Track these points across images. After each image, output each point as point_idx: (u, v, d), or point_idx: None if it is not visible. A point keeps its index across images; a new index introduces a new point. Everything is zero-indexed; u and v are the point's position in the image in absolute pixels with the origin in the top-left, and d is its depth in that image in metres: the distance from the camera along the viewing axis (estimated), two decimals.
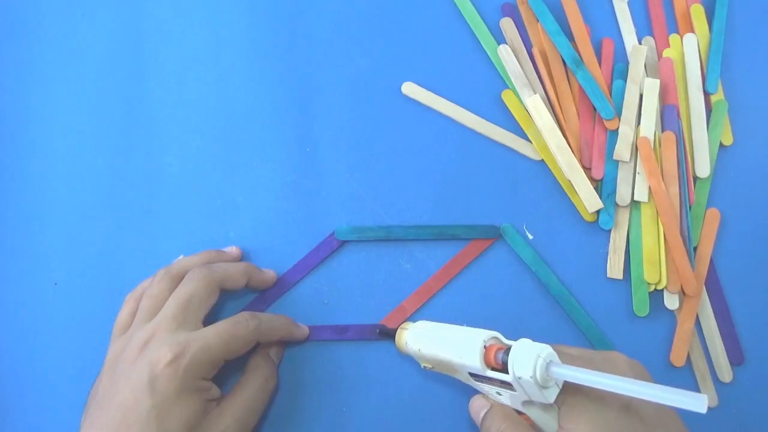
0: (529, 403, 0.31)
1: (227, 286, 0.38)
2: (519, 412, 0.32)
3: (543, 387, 0.30)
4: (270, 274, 0.41)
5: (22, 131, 0.45)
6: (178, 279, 0.37)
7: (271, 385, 0.38)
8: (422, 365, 0.36)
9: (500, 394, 0.32)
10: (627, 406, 0.31)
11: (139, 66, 0.46)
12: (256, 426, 0.37)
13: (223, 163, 0.44)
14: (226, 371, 0.37)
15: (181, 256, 0.41)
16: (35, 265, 0.43)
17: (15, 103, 0.45)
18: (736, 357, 0.41)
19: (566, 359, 0.31)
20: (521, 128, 0.44)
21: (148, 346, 0.34)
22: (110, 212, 0.43)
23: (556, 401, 0.30)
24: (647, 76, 0.45)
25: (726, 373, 0.41)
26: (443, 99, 0.44)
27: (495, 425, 0.32)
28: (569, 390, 0.31)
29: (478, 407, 0.34)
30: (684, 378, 0.41)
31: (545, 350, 0.30)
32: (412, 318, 0.41)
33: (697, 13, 0.46)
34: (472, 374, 0.33)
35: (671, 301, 0.41)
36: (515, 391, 0.31)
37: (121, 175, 0.44)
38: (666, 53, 0.45)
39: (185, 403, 0.33)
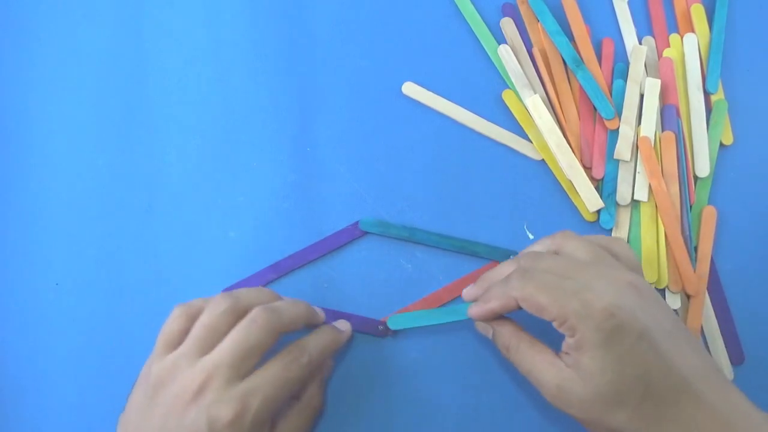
0: None
1: (288, 331, 0.36)
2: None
3: None
4: (337, 333, 0.39)
5: (22, 131, 0.45)
6: (241, 314, 0.35)
7: (318, 416, 0.38)
8: None
9: None
10: (642, 333, 0.30)
11: (139, 66, 0.46)
12: None
13: (223, 162, 0.44)
14: None
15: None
16: (36, 266, 0.43)
17: (15, 103, 0.45)
18: (736, 357, 0.41)
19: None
20: (521, 128, 0.44)
21: (204, 394, 0.32)
22: (111, 212, 0.43)
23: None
24: (647, 75, 0.45)
25: (727, 373, 0.41)
26: (443, 99, 0.45)
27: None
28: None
29: (483, 330, 0.37)
30: None
31: None
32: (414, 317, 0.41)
33: (698, 12, 0.46)
34: None
35: (673, 301, 0.41)
36: None
37: (121, 175, 0.44)
38: (666, 53, 0.45)
39: None
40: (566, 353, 0.32)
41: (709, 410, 0.29)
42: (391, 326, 0.40)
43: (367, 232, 0.42)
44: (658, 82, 0.43)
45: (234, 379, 0.32)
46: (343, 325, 0.40)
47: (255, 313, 0.34)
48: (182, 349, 0.34)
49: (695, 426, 0.29)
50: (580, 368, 0.30)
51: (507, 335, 0.35)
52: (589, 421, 0.31)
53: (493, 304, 0.34)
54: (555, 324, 0.31)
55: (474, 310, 0.36)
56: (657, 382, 0.30)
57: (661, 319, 0.31)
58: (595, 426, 0.31)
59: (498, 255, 0.42)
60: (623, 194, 0.42)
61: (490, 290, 0.35)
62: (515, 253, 0.42)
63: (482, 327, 0.37)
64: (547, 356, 0.33)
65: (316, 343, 0.36)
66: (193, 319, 0.35)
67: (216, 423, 0.31)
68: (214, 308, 0.35)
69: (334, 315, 0.41)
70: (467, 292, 0.38)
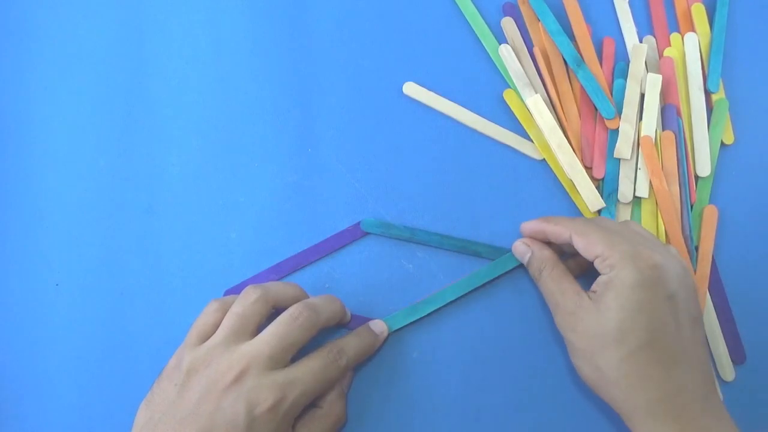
0: None
1: (322, 328, 0.37)
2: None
3: None
4: (350, 316, 0.40)
5: (23, 132, 0.45)
6: (272, 305, 0.36)
7: (340, 427, 0.38)
8: None
9: None
10: (671, 297, 0.32)
11: (140, 66, 0.46)
12: None
13: (224, 163, 0.44)
14: None
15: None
16: (37, 266, 0.43)
17: (16, 105, 0.45)
18: (737, 356, 0.41)
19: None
20: (522, 128, 0.44)
21: (244, 380, 0.32)
22: (112, 213, 0.43)
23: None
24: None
25: (728, 372, 0.41)
26: (444, 99, 0.44)
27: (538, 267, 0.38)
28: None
29: (521, 252, 0.40)
30: None
31: None
32: (420, 320, 0.41)
33: (698, 12, 0.46)
34: None
35: None
36: None
37: (122, 176, 0.44)
38: (667, 52, 0.45)
39: None
40: (593, 291, 0.34)
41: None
42: (390, 327, 0.40)
43: (368, 233, 0.42)
44: (660, 77, 0.43)
45: (273, 370, 0.33)
46: (379, 327, 0.40)
47: (297, 311, 0.35)
48: (216, 338, 0.35)
49: (679, 393, 0.32)
50: (601, 303, 0.33)
51: (544, 259, 0.38)
52: (582, 352, 0.34)
53: (547, 225, 0.37)
54: (597, 261, 0.34)
55: (528, 225, 0.39)
56: (661, 341, 0.32)
57: (692, 306, 0.34)
58: (584, 360, 0.34)
59: (499, 255, 0.42)
60: (625, 192, 0.42)
61: (550, 217, 0.38)
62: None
63: (521, 250, 0.40)
64: (575, 286, 0.36)
65: (354, 346, 0.37)
66: (226, 312, 0.36)
67: (256, 408, 0.32)
68: (245, 298, 0.36)
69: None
70: (525, 225, 0.40)
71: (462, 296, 0.41)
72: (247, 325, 0.35)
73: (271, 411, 0.32)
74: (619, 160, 0.43)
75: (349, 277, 0.42)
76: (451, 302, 0.41)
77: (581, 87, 0.44)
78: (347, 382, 0.39)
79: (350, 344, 0.37)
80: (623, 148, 0.42)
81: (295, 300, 0.37)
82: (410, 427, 0.40)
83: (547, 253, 0.38)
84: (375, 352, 0.40)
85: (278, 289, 0.37)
